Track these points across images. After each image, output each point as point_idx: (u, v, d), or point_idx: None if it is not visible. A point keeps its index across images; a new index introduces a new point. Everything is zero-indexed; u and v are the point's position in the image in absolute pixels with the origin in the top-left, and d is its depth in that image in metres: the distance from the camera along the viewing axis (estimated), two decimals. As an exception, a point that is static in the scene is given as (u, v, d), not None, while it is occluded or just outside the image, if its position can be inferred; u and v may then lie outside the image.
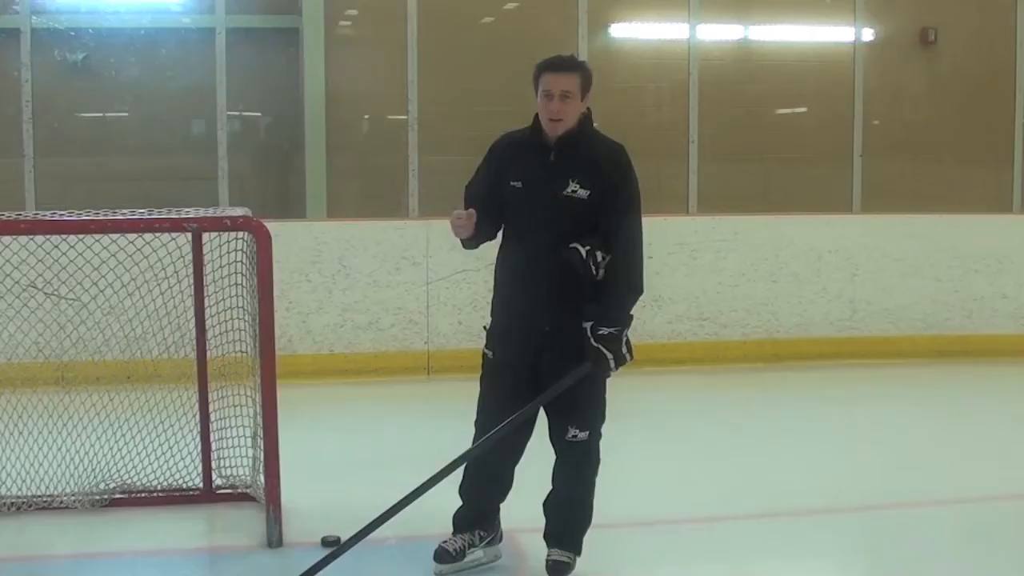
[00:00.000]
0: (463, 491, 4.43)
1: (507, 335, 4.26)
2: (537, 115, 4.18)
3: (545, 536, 4.40)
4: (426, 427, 6.60)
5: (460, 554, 4.40)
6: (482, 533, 4.45)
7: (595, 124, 4.27)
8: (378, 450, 6.13)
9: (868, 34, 8.97)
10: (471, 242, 4.28)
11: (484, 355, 4.34)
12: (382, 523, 4.13)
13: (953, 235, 8.63)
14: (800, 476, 5.71)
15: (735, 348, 8.30)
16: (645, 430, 6.31)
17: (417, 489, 4.11)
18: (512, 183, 4.18)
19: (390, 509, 4.12)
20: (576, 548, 4.37)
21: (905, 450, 6.22)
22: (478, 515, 4.44)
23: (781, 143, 9.21)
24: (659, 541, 4.89)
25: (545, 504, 4.40)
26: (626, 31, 9.07)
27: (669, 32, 8.91)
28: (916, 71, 9.39)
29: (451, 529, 4.46)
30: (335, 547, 4.20)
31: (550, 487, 4.40)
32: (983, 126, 9.30)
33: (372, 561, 4.44)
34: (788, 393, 7.60)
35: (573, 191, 4.10)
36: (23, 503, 5.08)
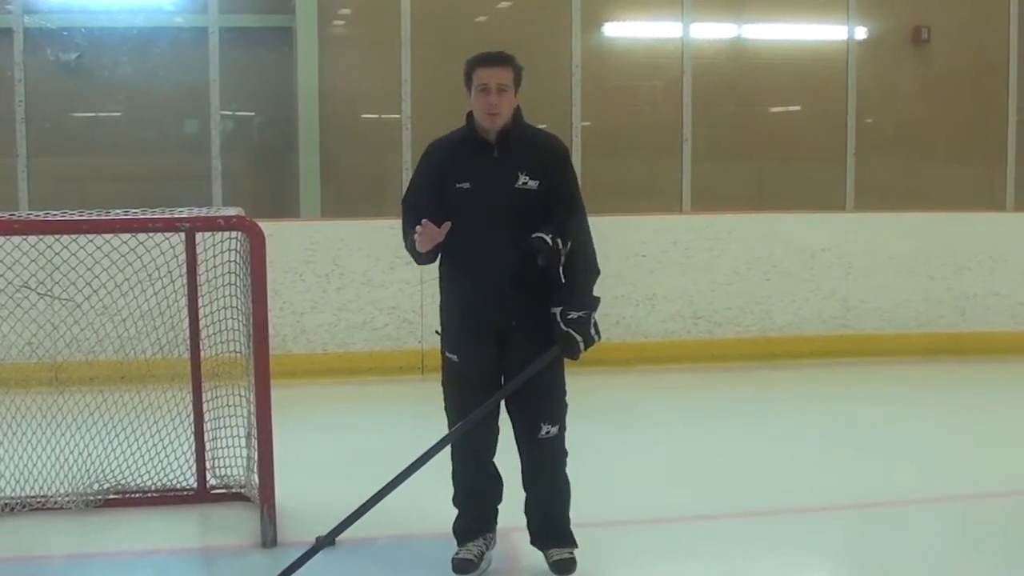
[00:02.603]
0: (459, 502, 4.40)
1: (473, 335, 4.22)
2: (469, 115, 4.19)
3: (538, 540, 4.39)
4: (420, 426, 6.56)
5: (480, 559, 4.37)
6: (489, 535, 4.43)
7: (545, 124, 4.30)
8: (372, 450, 6.11)
9: (861, 32, 8.98)
10: (430, 256, 4.21)
11: (447, 358, 4.31)
12: (357, 519, 4.17)
13: (946, 233, 8.65)
14: (794, 474, 5.72)
15: (729, 346, 8.30)
16: (638, 428, 6.32)
17: (388, 484, 4.16)
18: (459, 185, 4.16)
19: (364, 503, 4.17)
20: (573, 542, 4.37)
21: (898, 448, 6.22)
22: (482, 520, 4.41)
23: (774, 141, 9.21)
24: (652, 539, 4.88)
25: (527, 509, 4.38)
26: (619, 30, 9.09)
27: (662, 31, 8.92)
28: (909, 69, 9.42)
29: (448, 531, 4.42)
30: (329, 546, 4.21)
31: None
32: (976, 124, 9.32)
33: (365, 561, 4.44)
34: (781, 391, 7.60)
35: (524, 183, 4.12)
36: (17, 504, 5.07)
